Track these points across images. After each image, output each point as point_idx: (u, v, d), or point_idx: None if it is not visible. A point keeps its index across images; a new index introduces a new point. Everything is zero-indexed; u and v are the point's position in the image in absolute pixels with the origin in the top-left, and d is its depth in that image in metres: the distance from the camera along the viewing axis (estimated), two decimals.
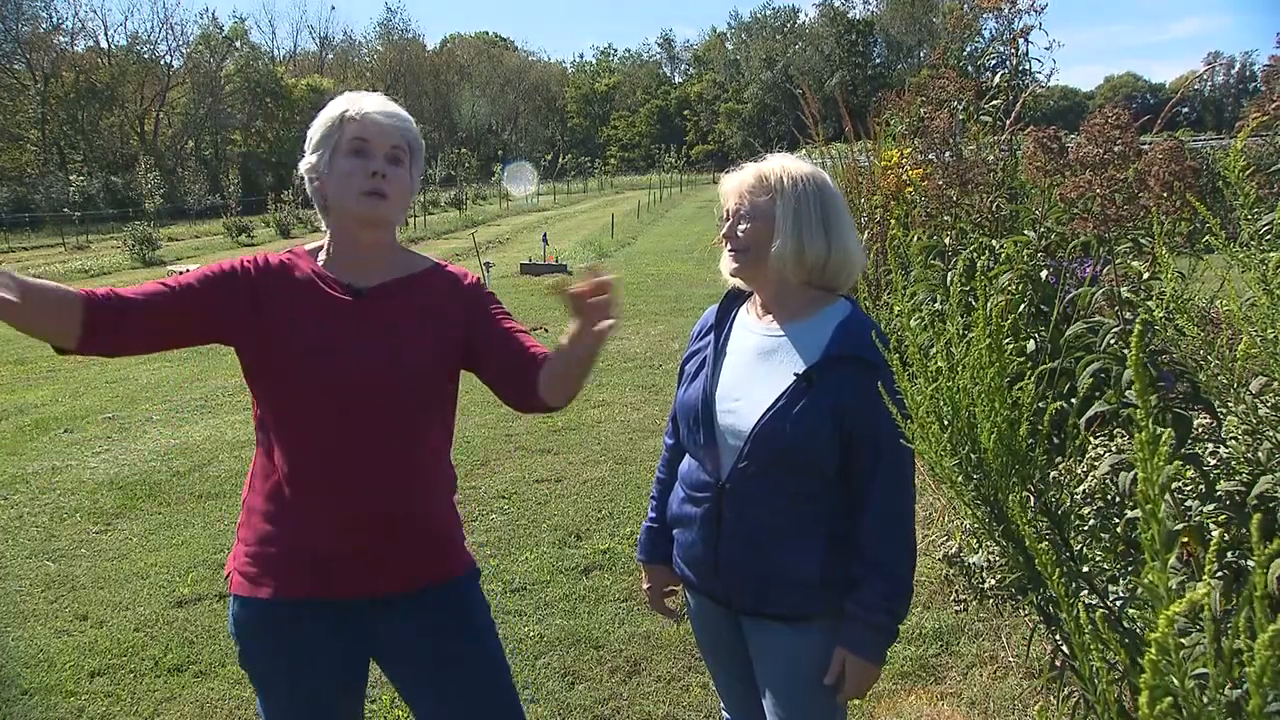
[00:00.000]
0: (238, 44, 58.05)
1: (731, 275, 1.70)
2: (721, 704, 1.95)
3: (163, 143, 50.00)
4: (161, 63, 52.05)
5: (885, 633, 1.58)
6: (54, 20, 48.62)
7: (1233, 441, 1.70)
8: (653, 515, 1.90)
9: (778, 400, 1.58)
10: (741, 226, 1.63)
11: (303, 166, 1.61)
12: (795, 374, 1.58)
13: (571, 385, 1.57)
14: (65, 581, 3.89)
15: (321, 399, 1.52)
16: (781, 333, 1.65)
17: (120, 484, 5.08)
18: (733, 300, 1.78)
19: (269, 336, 1.54)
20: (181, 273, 1.61)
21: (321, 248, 1.65)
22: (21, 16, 45.11)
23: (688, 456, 1.76)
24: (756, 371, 1.65)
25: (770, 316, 1.69)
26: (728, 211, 1.67)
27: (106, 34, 59.08)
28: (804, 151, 6.11)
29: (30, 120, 46.12)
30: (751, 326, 1.71)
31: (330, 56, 65.27)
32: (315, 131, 1.58)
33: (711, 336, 1.75)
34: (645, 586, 1.93)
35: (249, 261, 1.61)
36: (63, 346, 1.43)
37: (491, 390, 1.69)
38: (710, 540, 1.67)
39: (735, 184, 1.67)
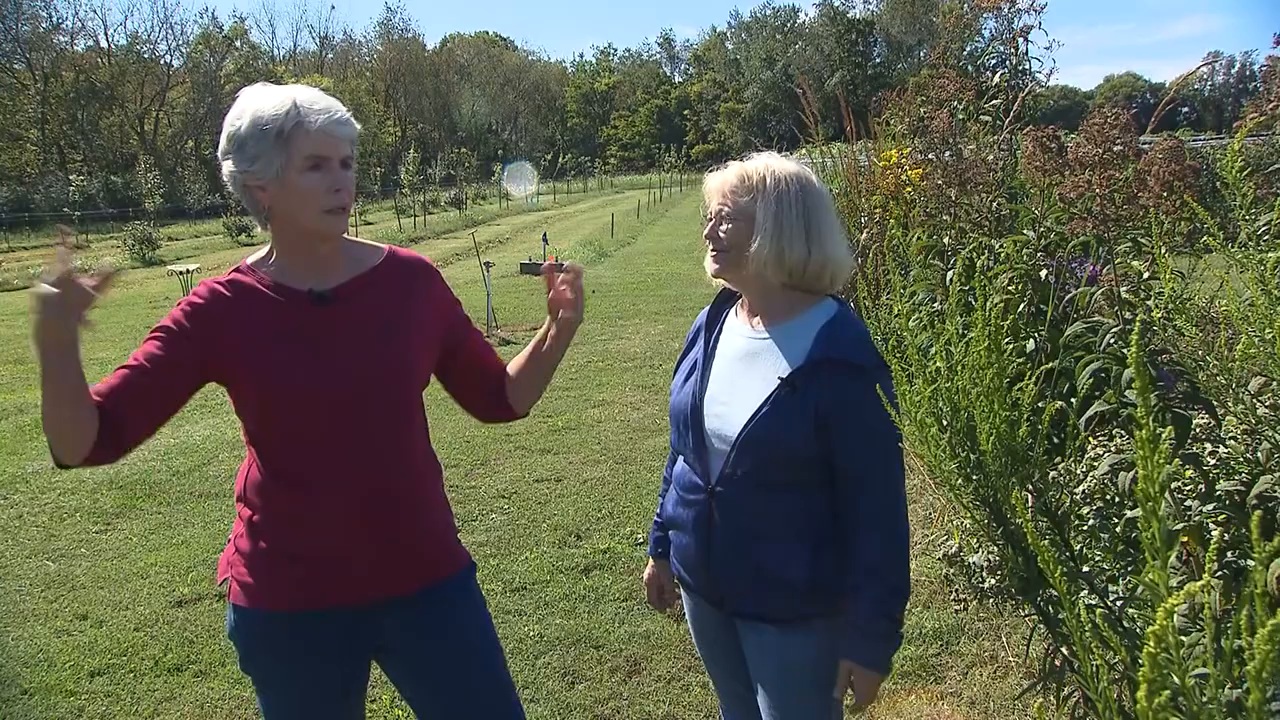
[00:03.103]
0: (238, 43, 58.08)
1: (713, 275, 1.70)
2: (720, 702, 1.96)
3: (162, 142, 50.00)
4: (161, 62, 52.10)
5: (887, 639, 1.57)
6: (54, 20, 48.73)
7: (1232, 441, 1.70)
8: (659, 513, 1.92)
9: (762, 405, 1.57)
10: (723, 227, 1.62)
11: (233, 171, 1.46)
12: (779, 378, 1.57)
13: (538, 388, 1.72)
14: (65, 581, 3.90)
15: (307, 411, 1.49)
16: (767, 335, 1.65)
17: (120, 483, 5.08)
18: (724, 302, 1.78)
19: (239, 367, 1.49)
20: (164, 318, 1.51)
21: (265, 257, 1.56)
22: (21, 16, 45.16)
23: (680, 458, 1.77)
24: (742, 375, 1.64)
25: (757, 318, 1.69)
26: (711, 212, 1.66)
27: (106, 33, 59.18)
28: (803, 151, 6.10)
29: (30, 120, 46.11)
30: (739, 329, 1.71)
31: (330, 56, 65.20)
32: (249, 137, 1.43)
33: (701, 339, 1.75)
34: (645, 578, 1.98)
35: (193, 302, 1.52)
36: (66, 455, 1.39)
37: (455, 398, 1.74)
38: (702, 542, 1.67)
39: (718, 183, 1.66)
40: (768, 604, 1.63)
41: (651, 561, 1.95)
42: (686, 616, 1.90)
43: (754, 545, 1.61)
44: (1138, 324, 0.95)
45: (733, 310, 1.76)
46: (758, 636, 1.68)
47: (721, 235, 1.63)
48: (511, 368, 1.73)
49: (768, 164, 1.63)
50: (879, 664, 1.57)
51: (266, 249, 1.57)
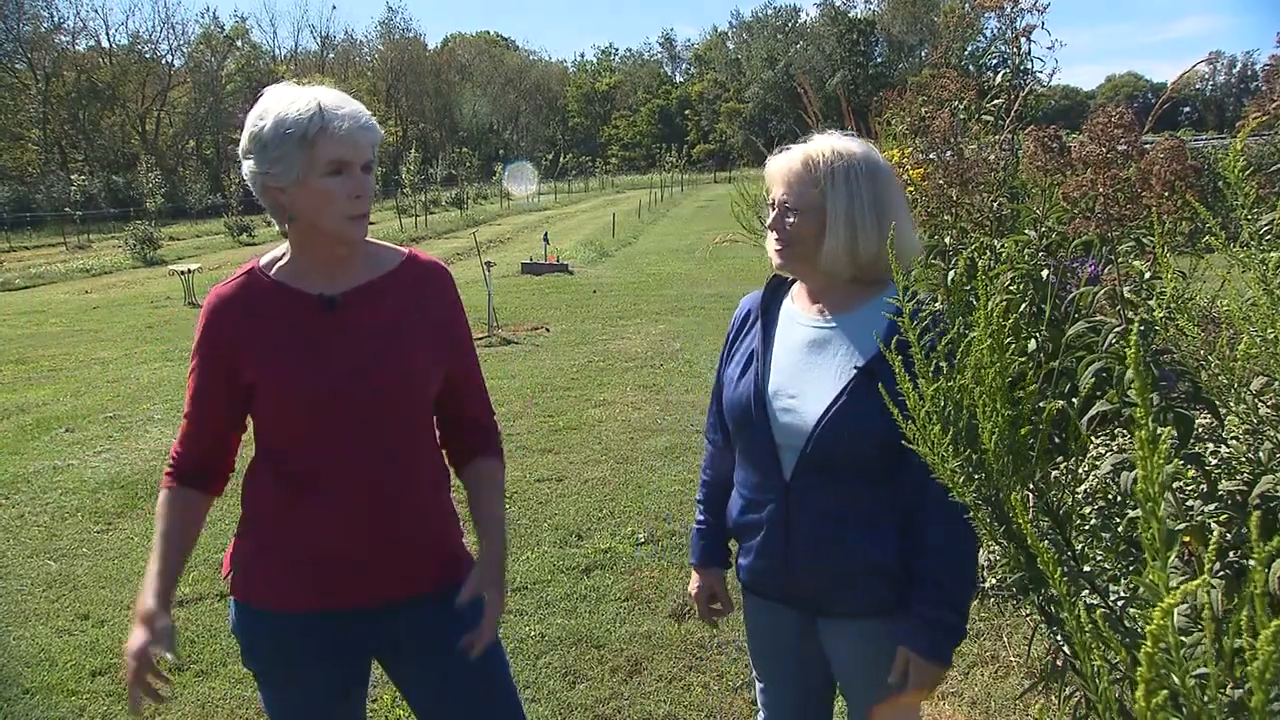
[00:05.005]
0: (239, 43, 58.17)
1: (778, 268, 1.63)
2: (762, 715, 1.86)
3: (164, 142, 50.05)
4: (163, 62, 52.21)
5: (951, 631, 1.50)
6: (55, 19, 48.85)
7: (1234, 441, 1.70)
8: (701, 519, 1.82)
9: (840, 396, 1.52)
10: (789, 219, 1.56)
11: (254, 171, 1.45)
12: (856, 368, 1.52)
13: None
14: (67, 581, 3.90)
15: (310, 414, 1.49)
16: (834, 324, 1.58)
17: (121, 483, 5.09)
18: (775, 289, 1.71)
19: (252, 371, 1.49)
20: (190, 367, 1.57)
21: (280, 256, 1.55)
22: (23, 16, 45.24)
23: (740, 461, 1.69)
24: (812, 366, 1.58)
25: (819, 306, 1.62)
26: (774, 200, 1.58)
27: (108, 33, 59.03)
28: None
29: (32, 120, 46.21)
30: (799, 318, 1.64)
31: (331, 56, 65.16)
32: (272, 139, 1.41)
33: (759, 330, 1.66)
34: (693, 590, 1.86)
35: (210, 322, 1.52)
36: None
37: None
38: (779, 544, 1.59)
39: (784, 171, 1.57)
40: (860, 595, 1.56)
41: (698, 574, 1.84)
42: (748, 624, 1.81)
43: (838, 537, 1.55)
44: (1135, 324, 0.95)
45: (788, 297, 1.69)
46: (842, 629, 1.61)
47: (788, 227, 1.56)
48: (471, 475, 1.69)
49: (834, 149, 1.55)
50: (940, 657, 1.50)
51: (283, 248, 1.56)
